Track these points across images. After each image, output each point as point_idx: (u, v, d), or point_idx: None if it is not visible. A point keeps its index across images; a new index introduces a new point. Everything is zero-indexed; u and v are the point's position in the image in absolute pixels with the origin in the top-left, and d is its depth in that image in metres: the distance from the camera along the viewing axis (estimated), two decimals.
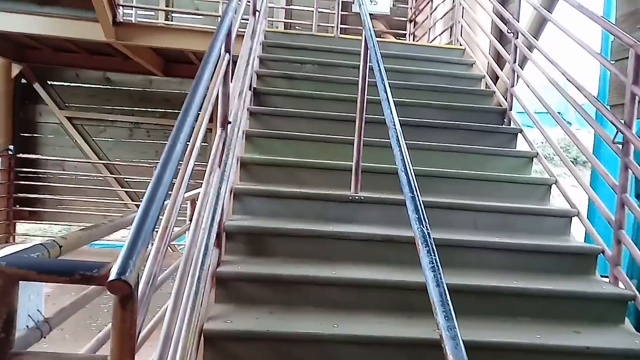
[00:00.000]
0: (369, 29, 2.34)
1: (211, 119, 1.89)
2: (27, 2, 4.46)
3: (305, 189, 2.60)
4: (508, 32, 3.46)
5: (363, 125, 2.55)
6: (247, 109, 3.09)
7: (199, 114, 1.45)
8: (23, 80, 7.10)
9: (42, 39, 5.68)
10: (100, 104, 7.31)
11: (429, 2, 5.88)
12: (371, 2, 6.40)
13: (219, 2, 6.63)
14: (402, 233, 2.28)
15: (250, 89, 3.22)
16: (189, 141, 1.48)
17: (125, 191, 7.28)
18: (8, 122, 6.89)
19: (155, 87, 7.31)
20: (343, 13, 6.85)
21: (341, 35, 4.56)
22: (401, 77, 3.82)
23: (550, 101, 3.21)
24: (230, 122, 2.19)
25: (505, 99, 3.59)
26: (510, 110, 3.51)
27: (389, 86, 2.05)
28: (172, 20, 6.90)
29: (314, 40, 4.34)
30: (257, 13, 3.34)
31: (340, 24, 6.09)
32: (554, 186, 2.92)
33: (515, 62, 3.45)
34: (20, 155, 6.66)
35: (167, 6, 6.66)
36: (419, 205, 1.25)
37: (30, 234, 7.49)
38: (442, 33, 5.39)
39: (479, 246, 2.38)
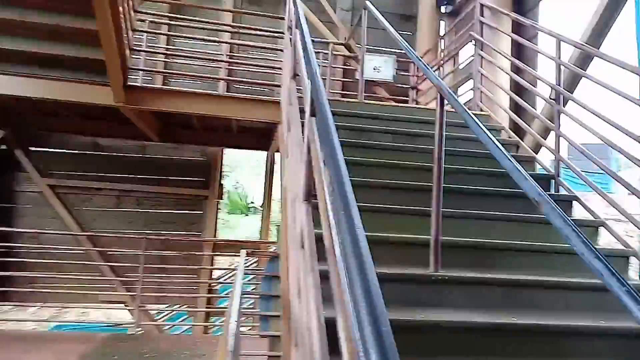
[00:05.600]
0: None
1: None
2: (27, 64, 4.14)
3: (380, 268, 2.27)
4: (551, 98, 3.41)
5: (441, 195, 2.30)
6: None
7: None
8: (3, 147, 6.58)
9: (31, 102, 5.31)
10: (87, 171, 6.82)
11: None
12: (374, 69, 6.45)
13: (220, 68, 6.53)
14: (504, 319, 1.98)
15: None
16: None
17: (110, 265, 6.61)
18: None
19: (148, 153, 6.93)
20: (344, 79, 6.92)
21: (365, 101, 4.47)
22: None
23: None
24: (314, 195, 1.89)
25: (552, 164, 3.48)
26: (558, 176, 3.38)
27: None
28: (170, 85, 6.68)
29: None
30: (296, 77, 3.17)
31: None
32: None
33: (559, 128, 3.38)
34: None
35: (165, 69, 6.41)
36: None
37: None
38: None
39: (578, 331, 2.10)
